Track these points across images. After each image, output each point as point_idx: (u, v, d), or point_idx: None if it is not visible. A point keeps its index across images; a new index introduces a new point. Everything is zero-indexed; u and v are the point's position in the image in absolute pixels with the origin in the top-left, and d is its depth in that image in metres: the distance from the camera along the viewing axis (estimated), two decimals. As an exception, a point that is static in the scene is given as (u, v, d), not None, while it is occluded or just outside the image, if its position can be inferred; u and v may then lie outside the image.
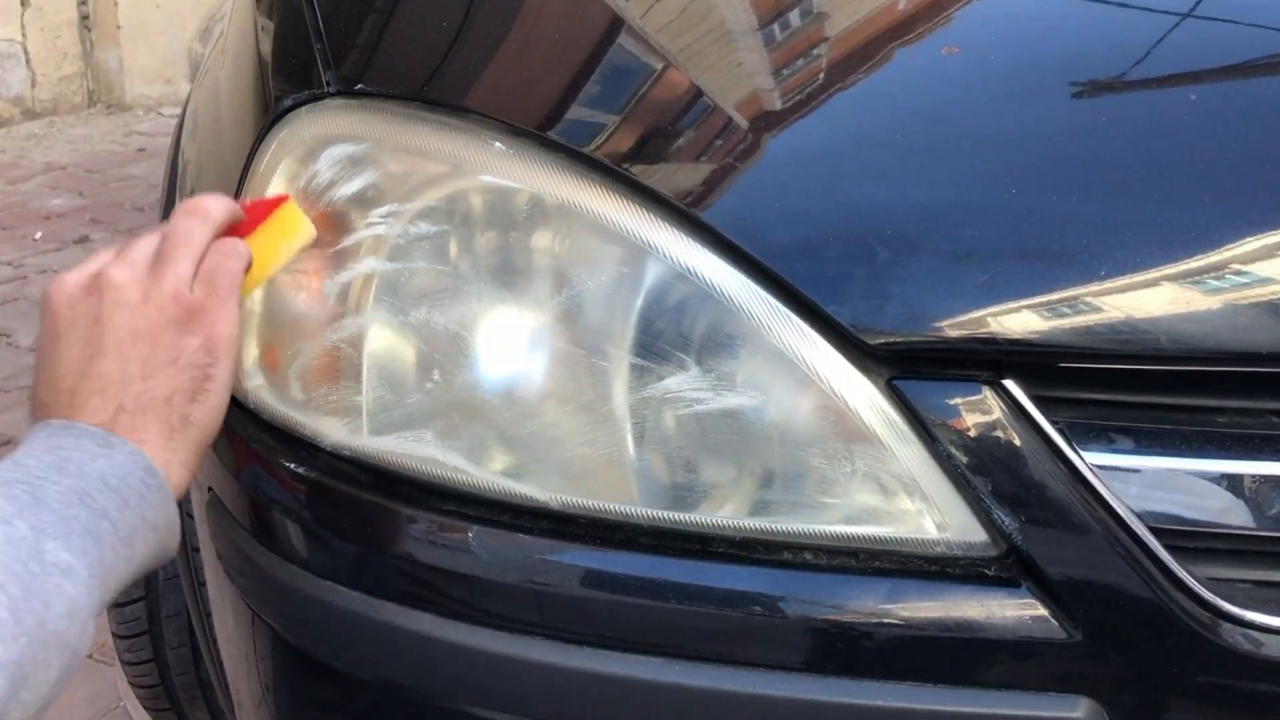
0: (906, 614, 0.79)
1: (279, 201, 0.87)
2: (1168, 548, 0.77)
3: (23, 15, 4.56)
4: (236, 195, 0.98)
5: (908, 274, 0.80)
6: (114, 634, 1.55)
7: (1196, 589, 0.77)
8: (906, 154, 0.88)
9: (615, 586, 0.82)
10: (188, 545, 1.24)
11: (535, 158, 0.87)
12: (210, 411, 0.78)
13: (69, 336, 0.76)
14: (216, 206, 0.83)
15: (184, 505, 1.19)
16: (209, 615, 1.14)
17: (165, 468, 0.74)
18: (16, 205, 3.72)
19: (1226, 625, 0.77)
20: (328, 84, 0.97)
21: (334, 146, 0.92)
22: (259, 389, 0.92)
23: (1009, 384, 0.78)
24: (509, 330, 0.86)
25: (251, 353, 0.93)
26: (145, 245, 0.80)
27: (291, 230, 0.86)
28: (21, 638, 0.62)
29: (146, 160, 4.17)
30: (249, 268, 0.83)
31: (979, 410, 0.78)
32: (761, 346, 0.80)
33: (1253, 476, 0.78)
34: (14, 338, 2.85)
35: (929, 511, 0.80)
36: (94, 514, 0.69)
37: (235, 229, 0.85)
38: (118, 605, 1.51)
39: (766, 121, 0.93)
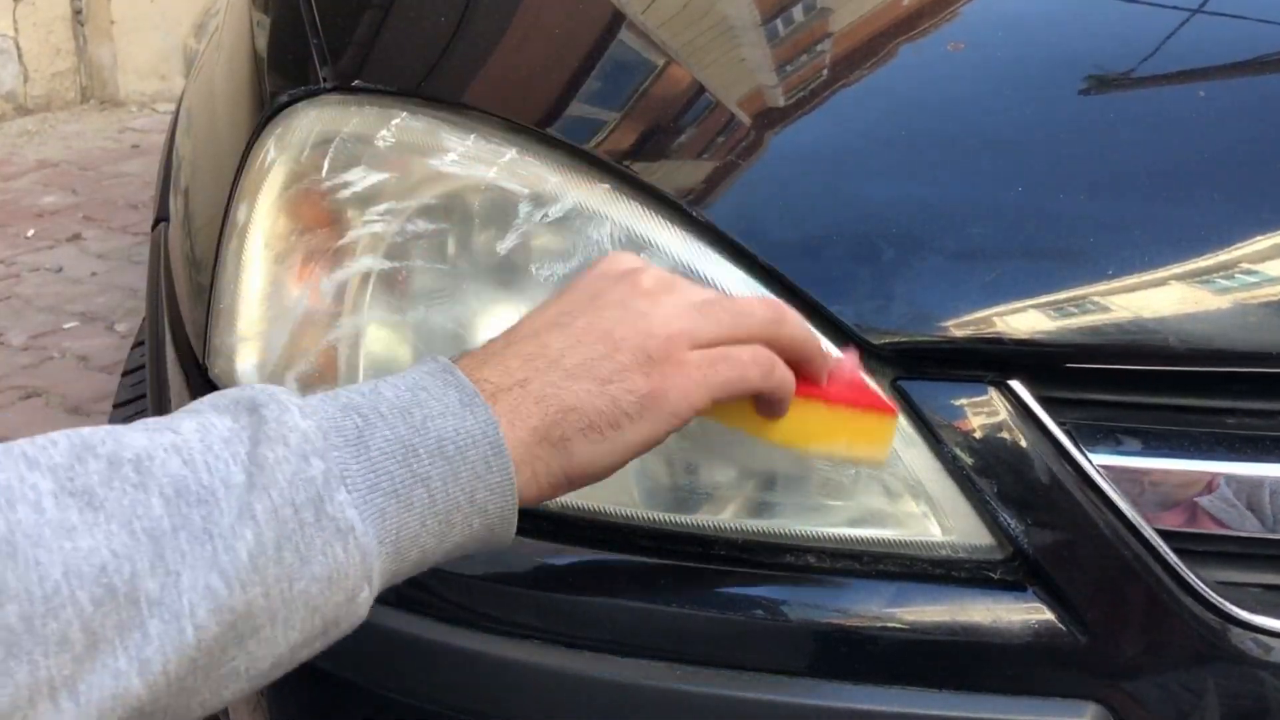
0: (911, 618, 0.79)
1: (881, 406, 0.73)
2: (1176, 551, 0.77)
3: (15, 10, 4.56)
4: (229, 199, 0.98)
5: (912, 273, 0.80)
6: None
7: (1205, 593, 0.77)
8: (911, 151, 0.88)
9: (615, 589, 0.82)
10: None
11: (534, 155, 0.87)
12: (593, 458, 0.66)
13: (567, 296, 0.69)
14: (799, 323, 0.72)
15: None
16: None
17: (517, 465, 0.64)
18: (8, 202, 3.72)
19: (1236, 630, 0.77)
20: (324, 80, 0.97)
21: (330, 143, 0.92)
22: (254, 389, 0.92)
23: (1015, 385, 0.78)
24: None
25: (248, 354, 0.93)
26: (713, 292, 0.73)
27: (869, 439, 0.73)
28: (255, 587, 0.55)
29: (140, 157, 4.17)
30: (774, 398, 0.70)
31: (985, 411, 0.78)
32: (764, 346, 0.80)
33: (1263, 479, 0.78)
34: (6, 336, 2.85)
35: (934, 514, 0.80)
36: (413, 477, 0.60)
37: (811, 382, 0.73)
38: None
39: (769, 118, 0.93)
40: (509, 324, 0.70)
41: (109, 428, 0.57)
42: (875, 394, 0.74)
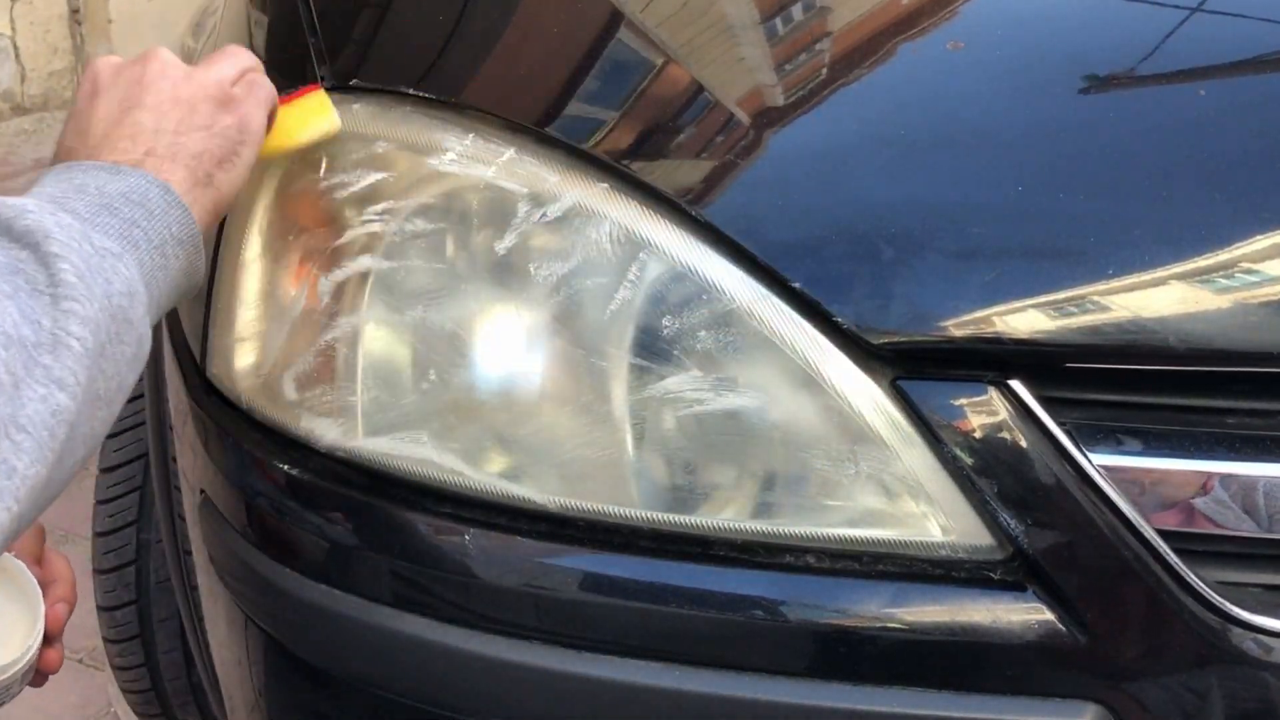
0: (910, 618, 0.79)
1: (311, 89, 0.92)
2: (1176, 551, 0.77)
3: (12, 9, 4.56)
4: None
5: (912, 272, 0.80)
6: (105, 638, 1.55)
7: (1205, 593, 0.77)
8: (911, 151, 0.88)
9: (614, 590, 0.82)
10: (180, 549, 1.24)
11: (533, 154, 0.87)
12: (232, 181, 0.81)
13: (109, 93, 0.80)
14: (252, 56, 0.88)
15: (176, 505, 1.19)
16: (201, 619, 1.14)
17: (189, 206, 0.77)
18: (5, 202, 3.71)
19: (1236, 630, 0.77)
20: (322, 79, 0.97)
21: (327, 142, 0.92)
22: (252, 389, 0.92)
23: (1015, 384, 0.78)
24: (506, 329, 0.86)
25: (246, 353, 0.93)
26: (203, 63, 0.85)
27: (319, 112, 0.90)
28: (94, 303, 0.65)
29: (138, 156, 4.16)
30: (272, 125, 0.86)
31: (984, 411, 0.78)
32: (763, 346, 0.80)
33: (1263, 479, 0.78)
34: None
35: (933, 514, 0.80)
36: (123, 221, 0.71)
37: None
38: (108, 609, 1.50)
39: (768, 117, 0.93)
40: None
41: None
42: (300, 89, 0.92)
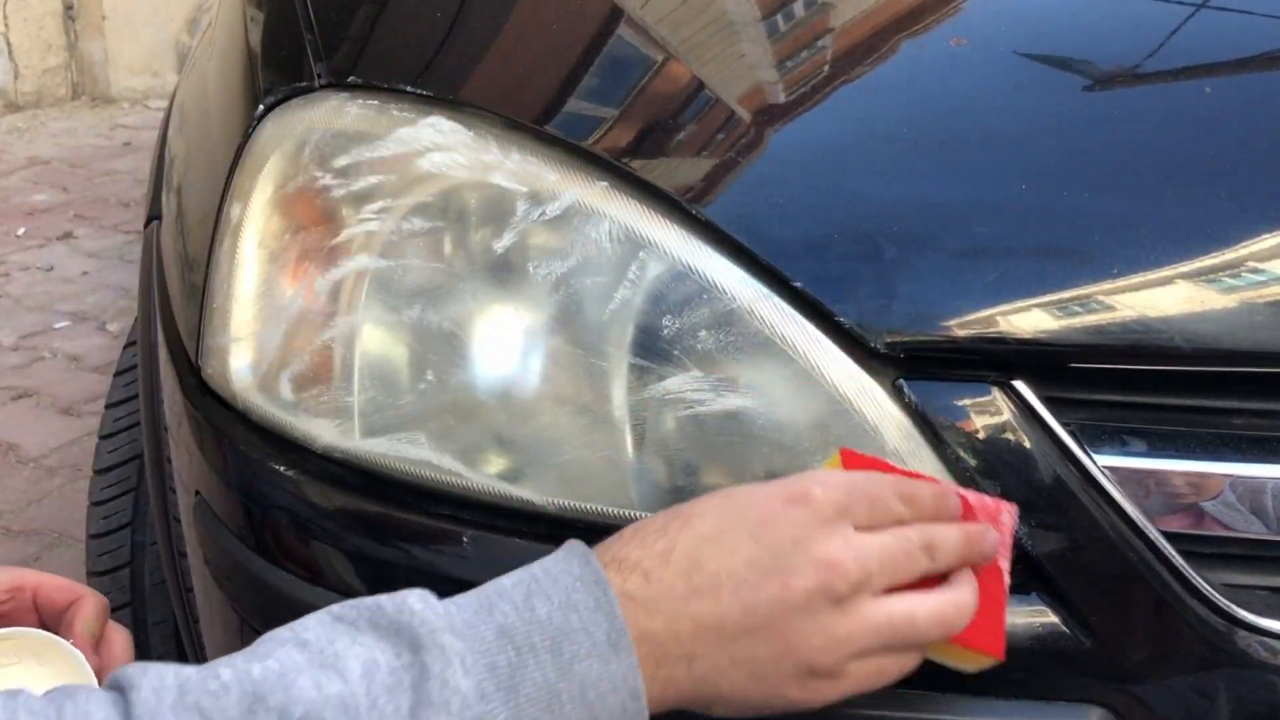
0: (913, 621, 0.79)
1: (991, 648, 0.74)
2: (1182, 553, 0.77)
3: (5, 5, 4.56)
4: (222, 198, 0.98)
5: (915, 272, 0.80)
6: (99, 641, 1.55)
7: (1211, 596, 0.77)
8: (913, 149, 0.88)
9: (614, 593, 0.82)
10: (174, 551, 1.24)
11: (532, 152, 0.87)
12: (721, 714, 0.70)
13: (762, 558, 0.68)
14: (969, 611, 0.72)
15: (171, 507, 1.19)
16: (196, 622, 1.14)
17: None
18: (-2, 200, 3.72)
19: (1242, 633, 0.77)
20: (318, 76, 0.97)
21: (325, 141, 0.92)
22: (248, 390, 0.92)
23: (1019, 385, 0.78)
24: (505, 329, 0.86)
25: (241, 353, 0.93)
26: (906, 569, 0.70)
27: (966, 663, 0.75)
28: None
29: (132, 154, 4.17)
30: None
31: (988, 412, 0.78)
32: (764, 346, 0.80)
33: (1270, 480, 0.78)
34: (-4, 337, 2.85)
35: (936, 516, 0.80)
36: None
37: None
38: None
39: (770, 115, 0.93)
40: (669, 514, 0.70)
41: (280, 667, 0.60)
42: (994, 637, 0.74)
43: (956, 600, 0.71)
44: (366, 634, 0.63)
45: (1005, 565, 0.74)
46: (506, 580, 0.67)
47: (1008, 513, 0.75)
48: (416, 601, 0.64)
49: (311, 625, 0.64)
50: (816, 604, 0.67)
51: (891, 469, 0.75)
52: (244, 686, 0.59)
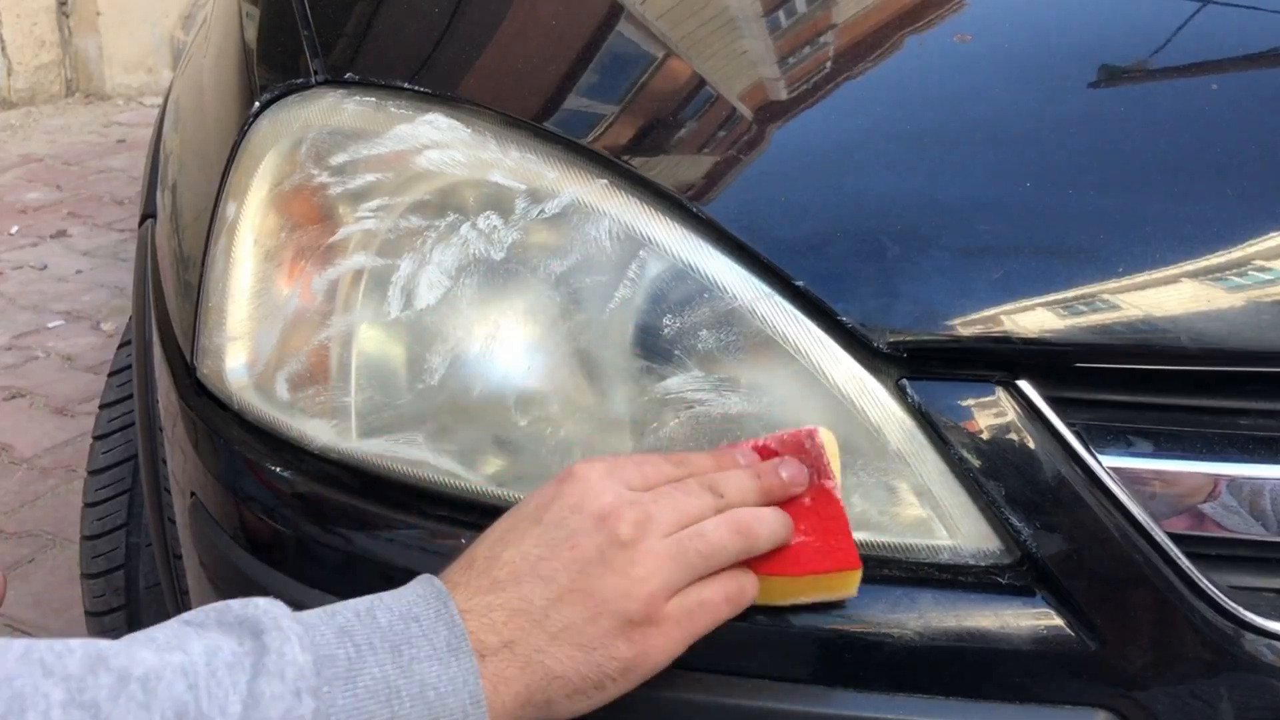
0: (916, 624, 0.79)
1: (845, 562, 0.76)
2: (1188, 555, 0.77)
3: (-2, 1, 4.56)
4: (218, 196, 0.98)
5: (918, 270, 0.80)
6: (93, 644, 1.55)
7: (1218, 598, 0.77)
8: (917, 146, 0.88)
9: (614, 595, 0.82)
10: (169, 552, 1.24)
11: (531, 149, 0.87)
12: (573, 712, 0.71)
13: (546, 533, 0.71)
14: (771, 534, 0.75)
15: (165, 508, 1.19)
16: (191, 625, 1.14)
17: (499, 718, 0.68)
18: (-9, 199, 3.72)
19: (1250, 636, 0.77)
20: (315, 72, 0.97)
21: (321, 138, 0.92)
22: (244, 390, 0.92)
23: (1023, 385, 0.78)
24: (503, 329, 0.86)
25: (237, 353, 0.93)
26: (689, 509, 0.73)
27: (833, 589, 0.77)
28: None
29: (127, 152, 4.17)
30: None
31: (992, 412, 0.78)
32: (766, 346, 0.81)
33: (1277, 482, 0.78)
34: (-11, 336, 2.85)
35: (940, 517, 0.80)
36: (392, 718, 0.65)
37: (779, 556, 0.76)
38: (96, 614, 1.51)
39: (771, 112, 0.93)
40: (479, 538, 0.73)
41: (127, 644, 0.63)
42: (843, 547, 0.76)
43: (750, 513, 0.74)
44: (212, 630, 0.66)
45: (832, 484, 0.76)
46: (351, 600, 0.70)
47: (809, 437, 0.77)
48: (263, 600, 0.67)
49: (160, 627, 0.67)
50: (607, 553, 0.70)
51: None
52: (89, 650, 0.62)
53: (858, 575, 0.77)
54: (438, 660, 0.67)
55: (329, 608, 0.68)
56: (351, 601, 0.69)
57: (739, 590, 0.74)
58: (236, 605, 0.67)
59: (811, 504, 0.77)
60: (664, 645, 0.71)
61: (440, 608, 0.68)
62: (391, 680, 0.65)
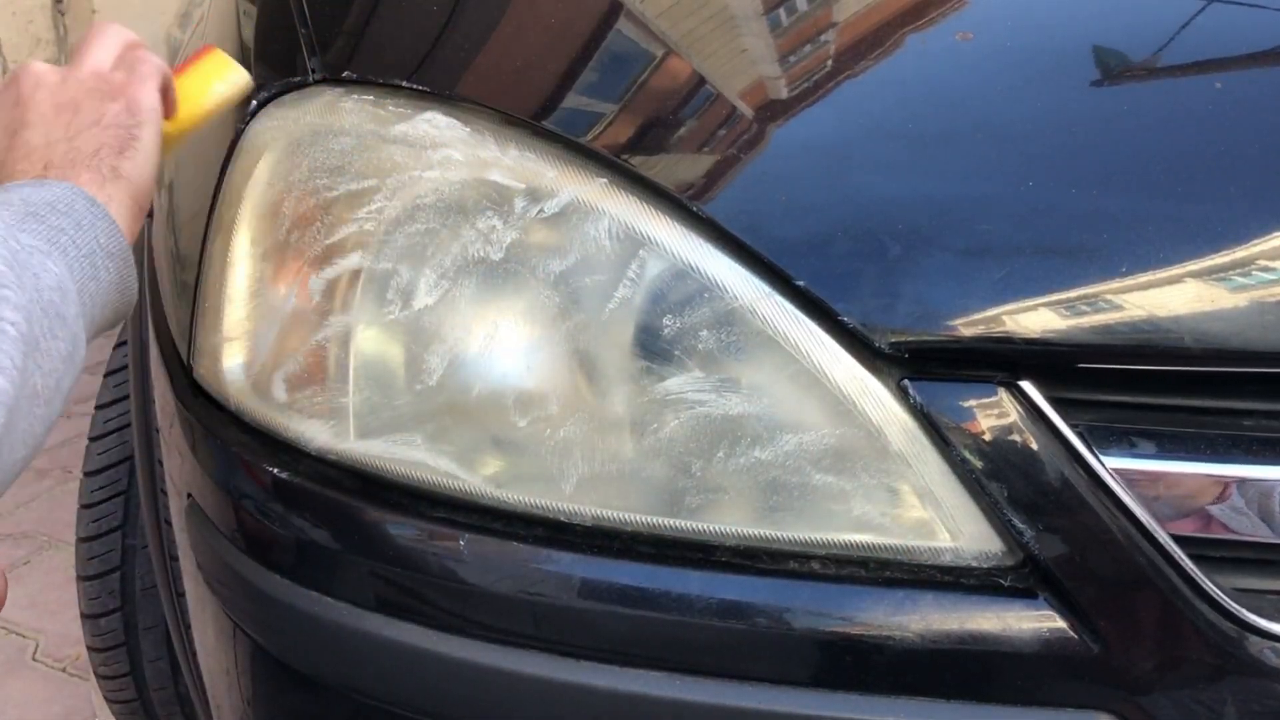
0: (918, 626, 0.79)
1: (205, 50, 0.92)
2: (1192, 557, 0.77)
3: (-8, -1, 4.56)
4: (215, 195, 0.98)
5: (920, 270, 0.80)
6: (89, 647, 1.55)
7: (1222, 600, 0.77)
8: (919, 145, 0.88)
9: (613, 597, 0.82)
10: (166, 555, 1.24)
11: (530, 148, 0.87)
12: (138, 167, 0.81)
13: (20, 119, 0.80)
14: (128, 32, 0.89)
15: (162, 510, 1.19)
16: (188, 627, 1.14)
17: (105, 204, 0.77)
18: (-13, 198, 3.72)
19: (1254, 638, 0.77)
20: (312, 71, 0.97)
21: (319, 137, 0.92)
22: (241, 390, 0.92)
23: (1025, 385, 0.78)
24: (502, 329, 0.86)
25: (234, 353, 0.93)
26: (79, 60, 0.85)
27: (219, 71, 0.90)
28: (24, 292, 0.64)
29: (123, 150, 4.16)
30: (174, 105, 0.87)
31: (994, 412, 0.78)
32: (766, 346, 0.81)
33: (1281, 482, 0.78)
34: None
35: (942, 518, 0.80)
36: (50, 228, 0.71)
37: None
38: (92, 617, 1.51)
39: (772, 111, 0.93)
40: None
41: None
42: (196, 52, 0.93)
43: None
44: None
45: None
46: None
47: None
48: None
49: None
50: (40, 80, 0.82)
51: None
52: None
53: (219, 54, 0.91)
54: (41, 190, 0.74)
55: None
56: None
57: (146, 53, 0.86)
58: None
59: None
60: (138, 87, 0.83)
61: None
62: (24, 211, 0.71)
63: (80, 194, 0.75)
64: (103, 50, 0.85)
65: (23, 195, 0.73)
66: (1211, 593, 0.77)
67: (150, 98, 0.84)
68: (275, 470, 0.89)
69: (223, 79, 0.91)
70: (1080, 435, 0.78)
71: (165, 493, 1.14)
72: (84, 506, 1.52)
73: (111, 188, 0.78)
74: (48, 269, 0.68)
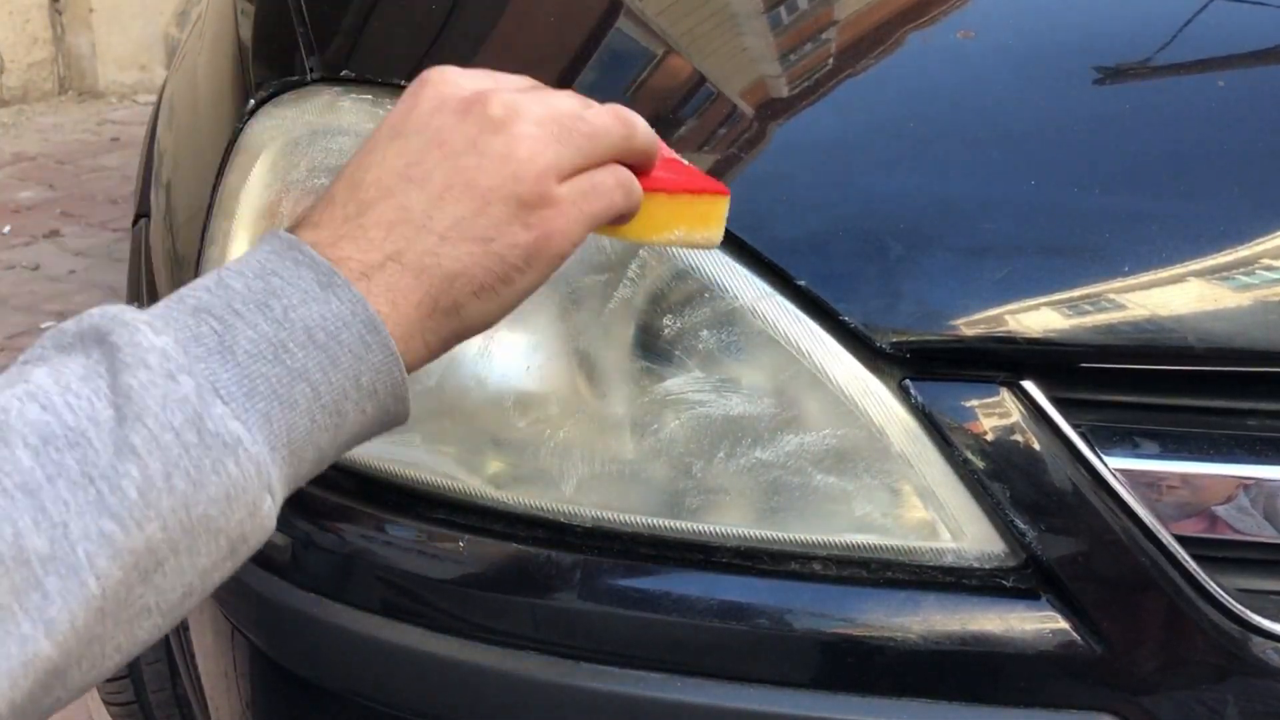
0: (920, 627, 0.79)
1: (715, 188, 0.75)
2: (1195, 557, 0.77)
3: (-11, -2, 4.57)
4: (213, 195, 0.98)
5: (921, 270, 0.80)
6: (86, 649, 1.55)
7: (1225, 601, 0.77)
8: (920, 144, 0.88)
9: (614, 599, 0.82)
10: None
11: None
12: (486, 315, 0.66)
13: (408, 143, 0.65)
14: (646, 132, 0.70)
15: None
16: (186, 629, 1.14)
17: (406, 341, 0.63)
18: (-17, 198, 3.72)
19: (1257, 639, 0.77)
20: (311, 70, 0.97)
21: (317, 136, 0.92)
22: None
23: (1028, 385, 0.78)
24: (501, 329, 0.86)
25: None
26: (562, 105, 0.68)
27: (706, 221, 0.74)
28: (152, 523, 0.54)
29: (120, 150, 4.17)
30: (632, 214, 0.70)
31: (996, 413, 0.78)
32: (767, 346, 0.81)
33: (1284, 483, 0.78)
34: (-18, 336, 2.85)
35: (944, 519, 0.80)
36: (289, 373, 0.58)
37: (649, 176, 0.72)
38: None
39: (772, 109, 0.93)
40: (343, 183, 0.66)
41: None
42: (707, 177, 0.76)
43: (609, 109, 0.70)
44: (51, 356, 0.57)
45: (676, 156, 0.75)
46: (194, 281, 0.62)
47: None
48: (97, 309, 0.59)
49: None
50: (481, 141, 0.65)
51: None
52: None
53: (725, 205, 0.74)
54: (315, 301, 0.60)
55: (171, 296, 0.60)
56: (195, 282, 0.61)
57: (629, 178, 0.69)
58: (70, 323, 0.58)
59: (663, 163, 0.74)
60: (564, 227, 0.65)
61: (296, 254, 0.61)
62: (272, 337, 0.59)
63: (360, 317, 0.60)
64: (578, 150, 0.67)
65: (285, 307, 0.59)
66: (1215, 593, 0.77)
67: (569, 244, 0.66)
68: (274, 471, 0.89)
69: (697, 231, 0.74)
70: (1083, 435, 0.78)
71: (163, 494, 1.14)
72: (82, 508, 1.52)
73: (435, 322, 0.64)
74: (222, 470, 0.56)
